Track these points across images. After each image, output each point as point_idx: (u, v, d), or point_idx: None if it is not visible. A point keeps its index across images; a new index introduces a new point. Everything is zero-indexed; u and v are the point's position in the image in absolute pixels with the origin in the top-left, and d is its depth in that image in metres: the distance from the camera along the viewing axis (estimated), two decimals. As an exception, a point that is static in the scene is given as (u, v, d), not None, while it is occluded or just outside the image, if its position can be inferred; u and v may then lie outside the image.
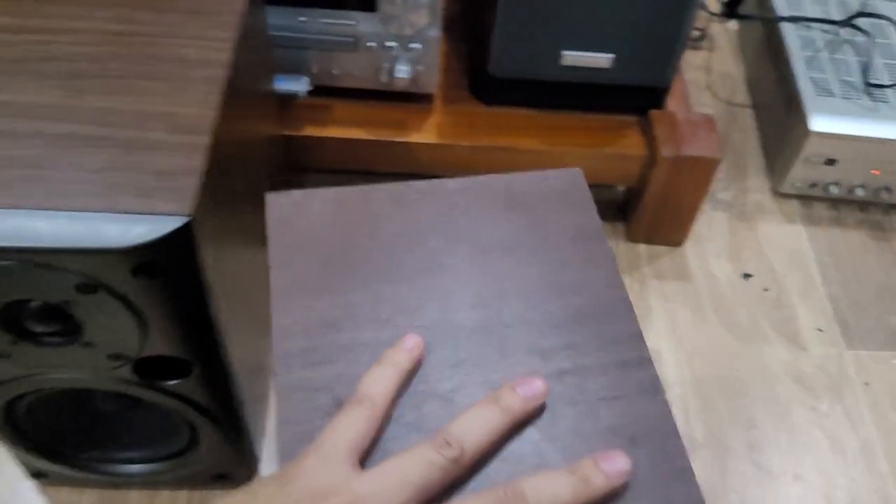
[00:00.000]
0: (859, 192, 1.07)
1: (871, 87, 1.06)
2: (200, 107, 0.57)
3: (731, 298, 0.99)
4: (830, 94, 1.05)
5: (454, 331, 0.50)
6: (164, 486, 0.78)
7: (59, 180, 0.52)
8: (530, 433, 0.46)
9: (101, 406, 0.71)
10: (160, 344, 0.58)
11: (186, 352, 0.59)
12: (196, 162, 0.53)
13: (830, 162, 1.04)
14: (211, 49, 0.62)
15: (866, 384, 0.92)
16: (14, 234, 0.49)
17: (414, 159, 0.94)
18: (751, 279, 1.01)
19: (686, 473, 0.45)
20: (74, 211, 0.50)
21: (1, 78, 0.58)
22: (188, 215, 0.50)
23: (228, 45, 0.62)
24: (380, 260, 0.53)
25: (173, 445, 0.72)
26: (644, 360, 0.49)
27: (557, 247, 0.54)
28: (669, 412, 0.48)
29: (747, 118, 1.20)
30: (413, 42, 0.88)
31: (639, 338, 0.50)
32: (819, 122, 1.01)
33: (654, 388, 0.48)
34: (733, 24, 1.33)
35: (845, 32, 1.13)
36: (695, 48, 1.29)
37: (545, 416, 0.46)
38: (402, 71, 0.91)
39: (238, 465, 0.76)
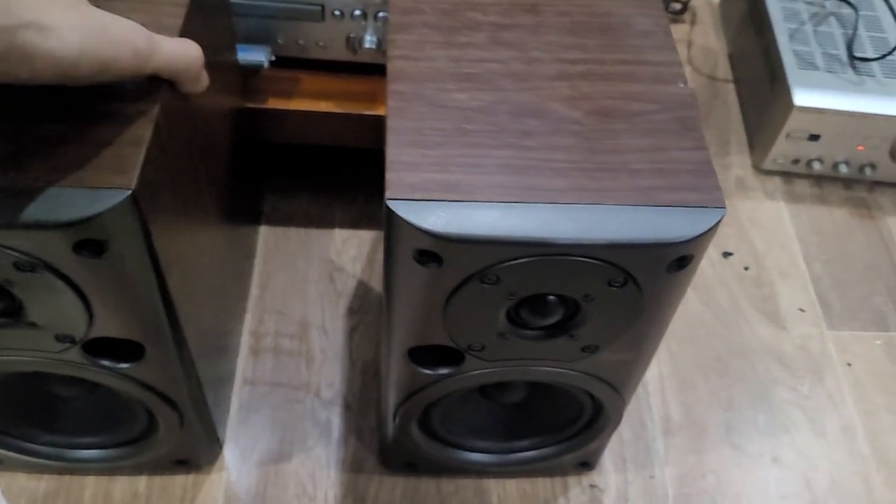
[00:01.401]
0: (843, 169, 1.04)
1: (856, 60, 1.03)
2: None
3: (710, 277, 0.96)
4: (814, 67, 1.02)
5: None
6: (122, 472, 0.76)
7: (27, 154, 0.48)
8: None
9: (55, 390, 0.69)
10: (108, 325, 0.55)
11: (137, 333, 0.57)
12: (142, 132, 0.50)
13: (814, 137, 1.01)
14: (164, 15, 0.58)
15: (848, 365, 0.90)
16: None
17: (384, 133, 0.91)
18: (731, 257, 0.99)
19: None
20: (26, 186, 0.46)
21: None
22: (131, 189, 0.47)
23: (182, 11, 0.58)
24: None
25: (130, 430, 0.70)
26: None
27: None
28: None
29: (729, 93, 1.17)
30: (382, 11, 0.85)
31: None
32: (802, 97, 0.98)
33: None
34: (716, -2, 1.31)
35: (830, 4, 1.10)
36: (676, 21, 1.26)
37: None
38: (370, 41, 0.87)
39: (199, 449, 0.74)
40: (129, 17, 0.55)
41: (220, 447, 0.78)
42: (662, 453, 0.81)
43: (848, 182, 1.08)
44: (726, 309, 0.93)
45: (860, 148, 1.02)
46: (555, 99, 0.55)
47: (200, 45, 0.56)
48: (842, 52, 1.04)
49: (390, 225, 0.49)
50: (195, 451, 0.73)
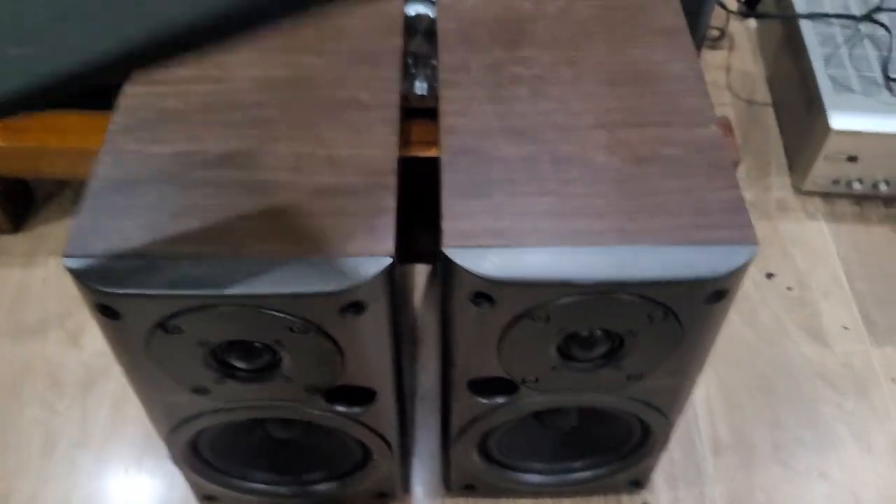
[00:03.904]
0: (883, 188, 1.06)
1: (892, 81, 1.05)
2: (383, 148, 0.60)
3: (754, 298, 0.99)
4: (850, 90, 1.04)
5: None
6: None
7: (295, 227, 0.54)
8: None
9: (275, 432, 0.74)
10: (353, 375, 0.60)
11: (373, 381, 0.62)
12: (389, 202, 0.56)
13: (852, 159, 1.04)
14: (380, 91, 0.64)
15: (893, 380, 0.91)
16: (237, 283, 0.51)
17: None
18: (774, 278, 1.01)
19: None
20: (289, 257, 0.52)
21: (192, 127, 0.60)
22: (392, 256, 0.53)
23: (395, 87, 0.64)
24: None
25: (339, 467, 0.75)
26: None
27: None
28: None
29: (768, 116, 1.20)
30: (433, 60, 0.90)
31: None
32: (839, 120, 1.01)
33: None
34: (752, 23, 1.33)
35: (865, 27, 1.13)
36: (714, 48, 1.29)
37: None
38: (421, 88, 0.92)
39: (397, 484, 0.78)
40: (355, 96, 0.63)
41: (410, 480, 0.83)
42: (712, 472, 0.84)
43: (888, 200, 1.10)
44: (770, 329, 0.96)
45: (899, 167, 1.04)
46: (594, 148, 0.59)
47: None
48: (877, 74, 1.06)
49: (446, 270, 0.54)
50: (394, 485, 0.78)
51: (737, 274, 0.54)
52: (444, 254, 0.53)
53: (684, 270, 0.53)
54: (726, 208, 0.56)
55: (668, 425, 0.69)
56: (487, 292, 0.53)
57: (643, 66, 0.66)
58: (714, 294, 0.55)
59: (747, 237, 0.55)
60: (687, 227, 0.55)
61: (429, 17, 0.86)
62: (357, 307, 0.54)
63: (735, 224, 0.55)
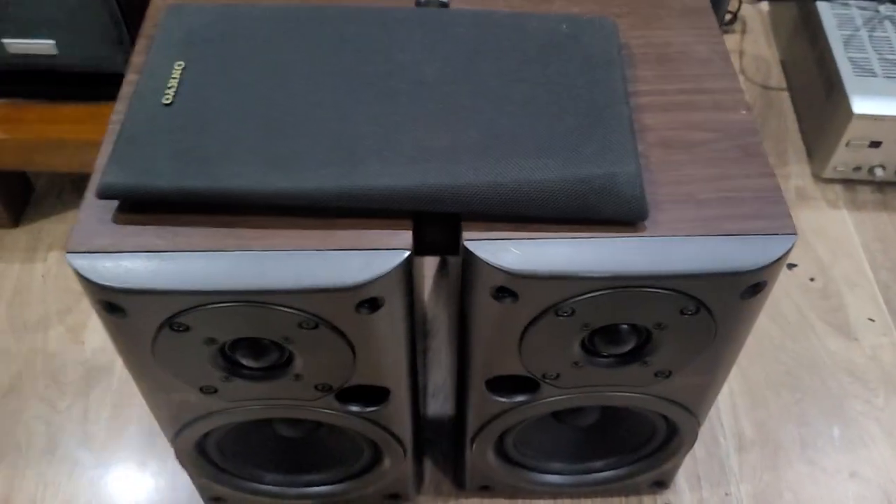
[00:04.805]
0: (907, 174, 1.03)
1: (915, 64, 1.02)
2: None
3: (775, 290, 0.96)
4: (872, 73, 1.01)
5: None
6: None
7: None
8: None
9: (283, 432, 0.72)
10: (366, 374, 0.58)
11: (387, 379, 0.60)
12: None
13: (875, 144, 1.00)
14: None
15: (922, 374, 0.89)
16: (245, 277, 0.49)
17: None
18: (795, 269, 0.98)
19: None
20: (300, 250, 0.49)
21: None
22: (410, 249, 0.50)
23: None
24: None
25: (351, 467, 0.73)
26: None
27: None
28: None
29: (784, 101, 1.17)
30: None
31: None
32: (862, 104, 0.98)
33: None
34: (765, 6, 1.30)
35: (885, 9, 1.10)
36: (726, 31, 1.26)
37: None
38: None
39: (410, 484, 0.76)
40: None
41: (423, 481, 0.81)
42: (737, 470, 0.81)
43: (912, 187, 1.07)
44: (794, 322, 0.93)
45: (923, 152, 1.01)
46: None
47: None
48: (900, 57, 1.03)
49: (466, 264, 0.51)
50: (407, 485, 0.75)
51: (775, 266, 0.51)
52: (464, 247, 0.50)
53: (719, 263, 0.50)
54: (761, 196, 0.53)
55: (695, 425, 0.66)
56: (510, 287, 0.50)
57: (666, 49, 0.63)
58: (751, 288, 0.52)
59: (785, 226, 0.52)
60: (720, 217, 0.52)
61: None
62: (373, 304, 0.51)
63: (771, 213, 0.52)
